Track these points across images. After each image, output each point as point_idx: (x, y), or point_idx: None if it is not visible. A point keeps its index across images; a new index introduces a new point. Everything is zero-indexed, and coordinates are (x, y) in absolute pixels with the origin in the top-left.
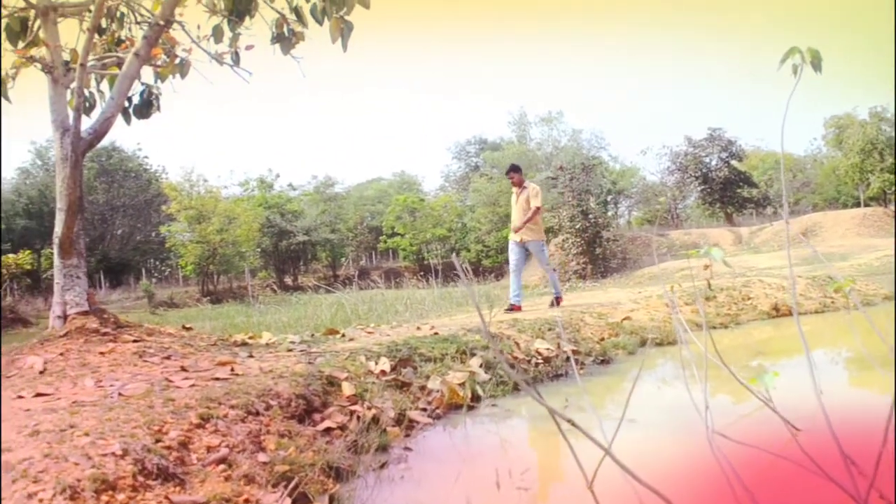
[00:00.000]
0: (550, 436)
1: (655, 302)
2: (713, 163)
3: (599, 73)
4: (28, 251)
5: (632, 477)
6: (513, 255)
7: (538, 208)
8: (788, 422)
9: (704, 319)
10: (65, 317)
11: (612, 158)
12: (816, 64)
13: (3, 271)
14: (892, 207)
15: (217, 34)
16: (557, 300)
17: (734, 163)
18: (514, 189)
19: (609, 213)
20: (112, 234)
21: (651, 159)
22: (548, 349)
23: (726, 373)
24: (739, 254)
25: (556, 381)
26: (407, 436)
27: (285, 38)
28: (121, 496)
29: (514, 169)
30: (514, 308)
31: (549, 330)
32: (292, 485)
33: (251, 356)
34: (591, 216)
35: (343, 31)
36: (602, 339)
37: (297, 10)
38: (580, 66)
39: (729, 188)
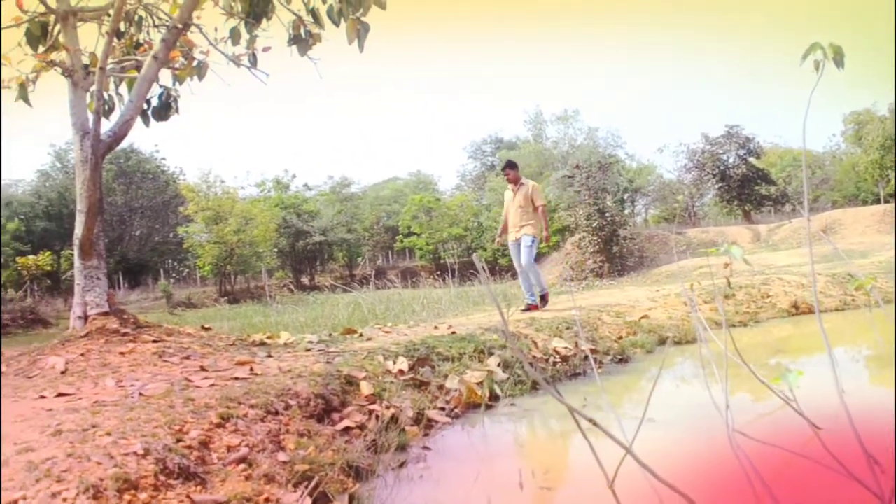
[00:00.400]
0: (569, 435)
1: (673, 300)
2: (731, 160)
3: (599, 72)
4: (48, 252)
5: (653, 476)
6: (514, 255)
7: (544, 206)
8: (810, 420)
9: (724, 317)
10: (85, 317)
11: (629, 156)
12: (839, 60)
13: (24, 272)
14: None
15: (234, 36)
16: (543, 298)
17: (752, 160)
18: (510, 186)
19: (626, 212)
20: (130, 236)
21: (668, 157)
22: (566, 348)
23: (746, 371)
24: (758, 251)
25: (575, 380)
26: (426, 435)
27: (302, 40)
28: (143, 495)
29: (511, 165)
30: (531, 307)
31: (567, 329)
32: (312, 484)
33: (270, 356)
34: (607, 214)
35: (359, 33)
36: (620, 338)
37: (313, 12)
38: (581, 65)
39: (747, 185)
